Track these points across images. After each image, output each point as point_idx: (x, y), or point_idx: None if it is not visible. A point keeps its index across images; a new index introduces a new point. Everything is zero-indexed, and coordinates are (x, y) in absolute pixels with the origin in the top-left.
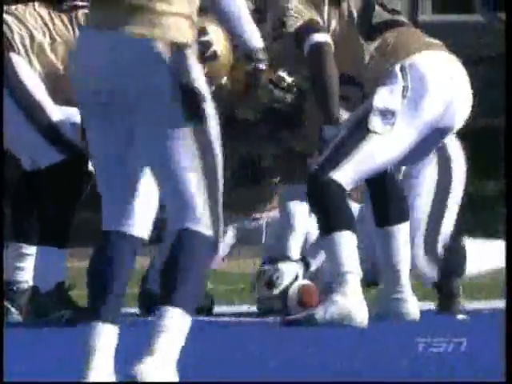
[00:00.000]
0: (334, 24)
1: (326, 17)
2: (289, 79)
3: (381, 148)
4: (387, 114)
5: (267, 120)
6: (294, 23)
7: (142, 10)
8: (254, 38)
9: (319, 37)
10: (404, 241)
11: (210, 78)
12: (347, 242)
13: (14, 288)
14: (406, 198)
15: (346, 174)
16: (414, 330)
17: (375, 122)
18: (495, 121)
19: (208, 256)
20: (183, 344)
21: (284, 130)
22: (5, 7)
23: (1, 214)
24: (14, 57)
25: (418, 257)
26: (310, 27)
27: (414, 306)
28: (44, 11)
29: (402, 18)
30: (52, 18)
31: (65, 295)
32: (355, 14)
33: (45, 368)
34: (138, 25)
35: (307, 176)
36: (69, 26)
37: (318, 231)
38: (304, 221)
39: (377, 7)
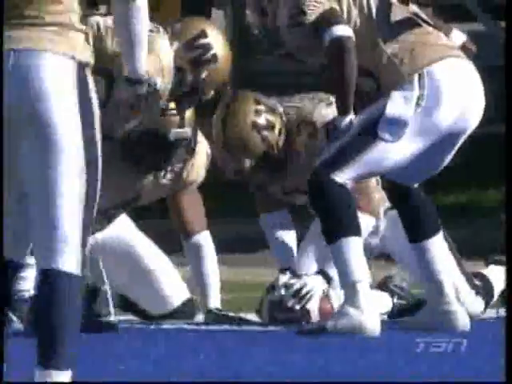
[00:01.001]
0: (354, 16)
1: (345, 8)
2: (278, 123)
3: (388, 154)
4: (399, 123)
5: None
6: (313, 12)
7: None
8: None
9: (341, 29)
10: (440, 252)
11: (210, 83)
12: (354, 249)
13: (16, 297)
14: (435, 210)
15: (349, 175)
16: (414, 329)
17: (385, 129)
18: (497, 128)
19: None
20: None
21: (275, 172)
22: None
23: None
24: None
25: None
26: (332, 18)
27: (463, 317)
28: None
29: (421, 13)
30: None
31: None
32: (374, 9)
33: None
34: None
35: (309, 176)
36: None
37: (324, 237)
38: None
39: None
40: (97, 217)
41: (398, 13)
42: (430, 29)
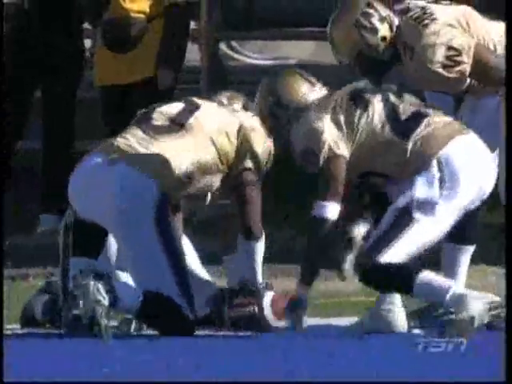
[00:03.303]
0: (366, 133)
1: (356, 121)
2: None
3: (425, 233)
4: (428, 205)
5: None
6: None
7: None
8: None
9: (328, 209)
10: None
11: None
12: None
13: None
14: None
15: (392, 258)
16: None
17: (418, 213)
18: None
19: None
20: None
21: None
22: None
23: (0, 221)
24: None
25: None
26: (328, 195)
27: (402, 318)
28: None
29: (424, 108)
30: None
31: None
32: (384, 116)
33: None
34: None
35: (356, 260)
36: None
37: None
38: None
39: (398, 104)
40: None
41: (406, 111)
42: (436, 117)
